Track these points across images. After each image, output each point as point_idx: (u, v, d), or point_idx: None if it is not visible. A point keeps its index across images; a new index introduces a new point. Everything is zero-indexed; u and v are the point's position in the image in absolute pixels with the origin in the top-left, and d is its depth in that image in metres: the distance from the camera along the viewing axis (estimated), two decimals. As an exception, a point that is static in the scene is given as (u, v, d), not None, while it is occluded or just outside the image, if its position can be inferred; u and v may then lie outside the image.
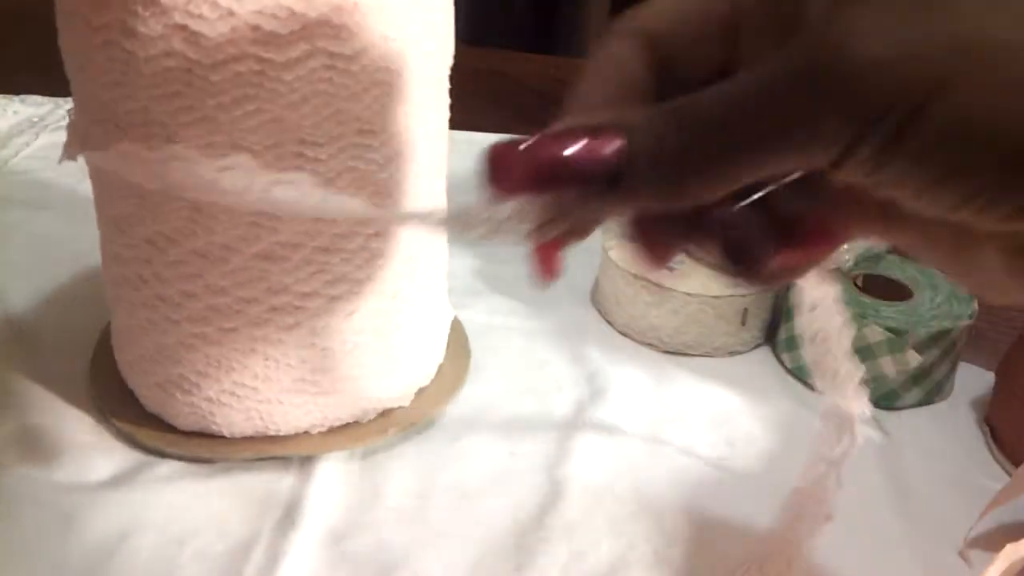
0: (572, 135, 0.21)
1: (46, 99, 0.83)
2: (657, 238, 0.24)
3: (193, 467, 0.43)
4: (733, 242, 0.23)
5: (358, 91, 0.37)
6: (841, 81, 0.19)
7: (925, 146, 0.19)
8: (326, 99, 0.36)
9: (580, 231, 0.24)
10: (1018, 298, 0.23)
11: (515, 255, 0.69)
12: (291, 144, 0.37)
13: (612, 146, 0.21)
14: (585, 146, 0.21)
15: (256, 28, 0.34)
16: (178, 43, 0.34)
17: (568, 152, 0.21)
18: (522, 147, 0.22)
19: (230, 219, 0.38)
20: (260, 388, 0.42)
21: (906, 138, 0.19)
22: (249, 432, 0.43)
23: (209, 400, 0.42)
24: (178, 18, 0.34)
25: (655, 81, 0.23)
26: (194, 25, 0.34)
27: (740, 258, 0.23)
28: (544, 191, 0.22)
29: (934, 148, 0.19)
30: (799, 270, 0.26)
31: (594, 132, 0.21)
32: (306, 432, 0.44)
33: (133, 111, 0.36)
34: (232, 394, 0.42)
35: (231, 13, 0.34)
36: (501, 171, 0.22)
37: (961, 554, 0.41)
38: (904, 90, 0.19)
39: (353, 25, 0.35)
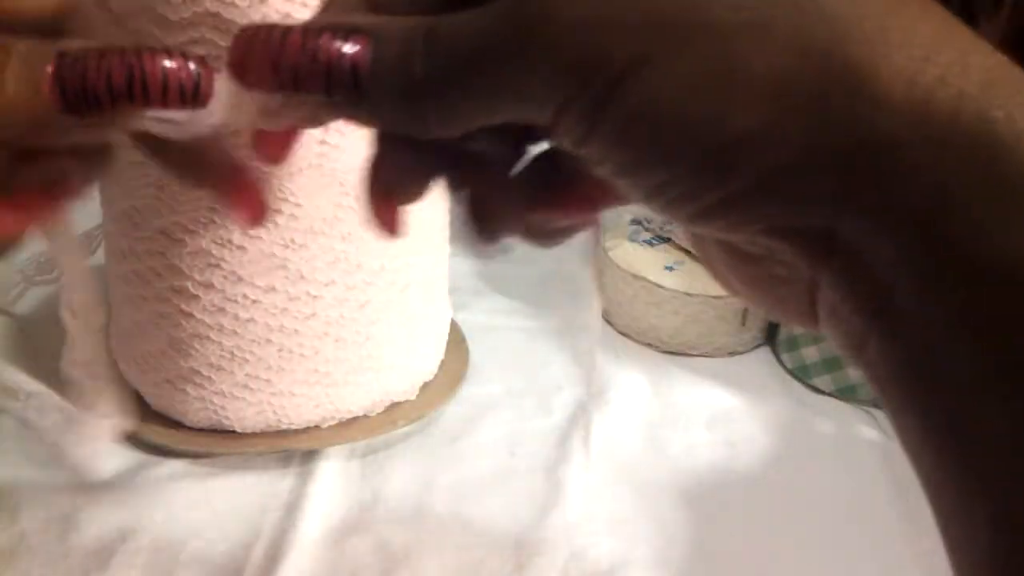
0: (317, 35, 0.19)
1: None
2: (400, 164, 0.22)
3: (193, 467, 0.43)
4: (475, 191, 0.22)
5: None
6: (543, 38, 0.18)
7: (620, 125, 0.18)
8: None
9: (314, 120, 0.22)
10: (741, 294, 0.22)
11: (516, 256, 0.69)
12: (315, 132, 0.37)
13: (356, 54, 0.19)
14: (327, 49, 0.19)
15: (286, 16, 0.34)
16: (208, 31, 0.34)
17: (307, 52, 0.19)
18: (263, 38, 0.20)
19: None
20: (273, 380, 0.42)
21: (605, 113, 0.18)
22: (261, 426, 0.43)
23: (221, 394, 0.42)
24: (209, 5, 0.34)
25: None
26: (226, 13, 0.34)
27: (479, 211, 0.22)
28: (285, 90, 0.20)
29: (626, 129, 0.18)
30: (566, 230, 0.24)
31: (343, 34, 0.19)
32: (316, 426, 0.44)
33: None
34: (245, 387, 0.42)
35: (262, 1, 0.34)
36: (241, 61, 0.20)
37: (961, 554, 0.41)
38: (602, 60, 0.17)
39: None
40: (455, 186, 0.23)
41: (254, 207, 0.25)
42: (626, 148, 0.18)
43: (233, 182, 0.25)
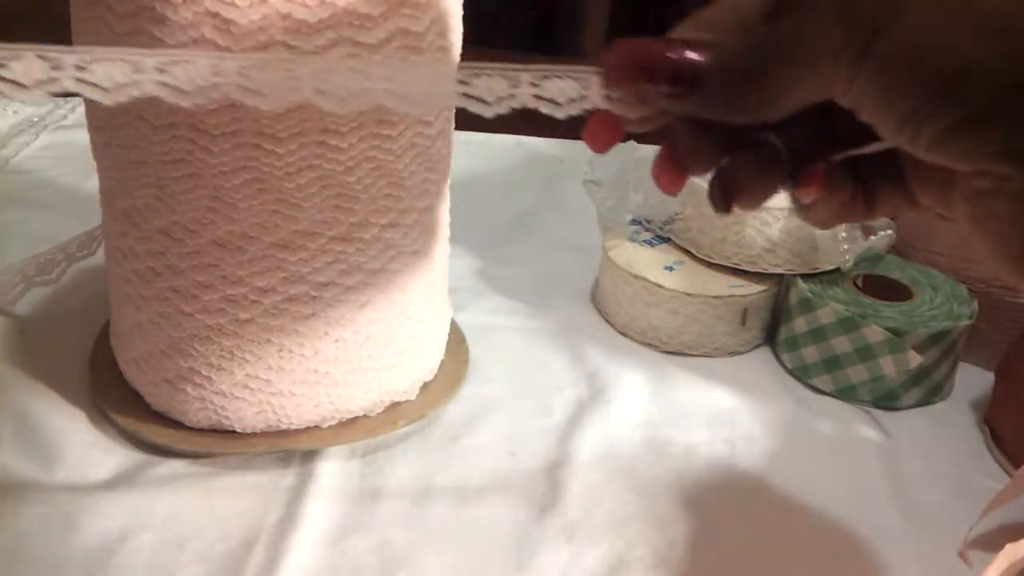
0: (673, 44, 0.26)
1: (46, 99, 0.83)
2: (698, 145, 0.28)
3: (193, 467, 0.43)
4: (736, 170, 0.29)
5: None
6: (825, 10, 0.24)
7: (881, 62, 0.23)
8: None
9: (649, 121, 0.29)
10: (974, 238, 0.26)
11: (516, 256, 0.69)
12: (314, 132, 0.37)
13: (697, 57, 0.26)
14: (679, 53, 0.26)
15: (287, 16, 0.34)
16: (208, 30, 0.34)
17: (665, 54, 0.26)
18: (633, 44, 0.27)
19: (249, 207, 0.38)
20: (273, 380, 0.42)
21: (869, 54, 0.23)
22: (261, 426, 0.43)
23: (221, 394, 0.42)
24: (209, 5, 0.34)
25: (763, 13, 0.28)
26: (226, 12, 0.34)
27: (729, 185, 0.29)
28: (641, 81, 0.27)
29: (886, 63, 0.23)
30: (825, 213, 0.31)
31: (691, 45, 0.26)
32: (316, 426, 0.44)
33: (158, 100, 0.36)
34: (245, 387, 0.42)
35: (263, 0, 0.34)
36: (614, 58, 0.27)
37: (961, 554, 0.41)
38: (870, 11, 0.23)
39: (377, 16, 0.36)
40: (723, 164, 0.29)
41: None
42: (885, 77, 0.23)
43: None
